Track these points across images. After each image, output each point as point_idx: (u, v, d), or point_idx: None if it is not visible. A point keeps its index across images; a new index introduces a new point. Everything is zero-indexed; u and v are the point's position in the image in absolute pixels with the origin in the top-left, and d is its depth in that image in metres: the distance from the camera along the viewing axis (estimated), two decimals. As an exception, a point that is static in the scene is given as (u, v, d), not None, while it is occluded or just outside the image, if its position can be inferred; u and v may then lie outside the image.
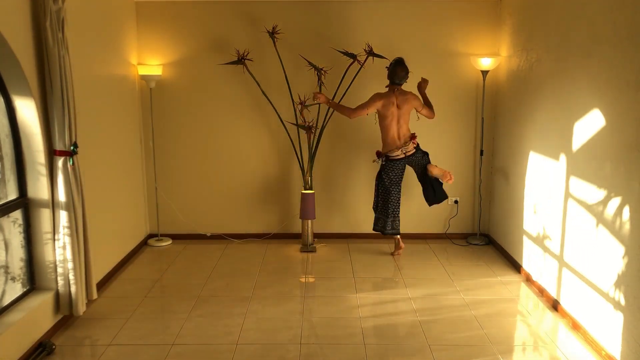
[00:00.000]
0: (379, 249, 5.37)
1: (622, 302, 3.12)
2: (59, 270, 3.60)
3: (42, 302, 3.49)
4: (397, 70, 4.76)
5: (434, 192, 5.03)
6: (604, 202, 3.33)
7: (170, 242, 5.53)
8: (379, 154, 4.98)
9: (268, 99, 5.26)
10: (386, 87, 4.90)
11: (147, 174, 5.52)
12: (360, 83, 5.31)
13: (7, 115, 3.37)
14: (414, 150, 4.91)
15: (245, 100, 5.44)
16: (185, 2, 5.26)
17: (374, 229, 5.16)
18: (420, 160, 4.97)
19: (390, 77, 4.83)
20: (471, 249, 5.38)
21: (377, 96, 4.82)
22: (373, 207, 5.14)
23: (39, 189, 3.53)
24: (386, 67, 4.91)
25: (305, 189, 5.29)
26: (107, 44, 4.62)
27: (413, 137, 4.92)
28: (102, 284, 4.39)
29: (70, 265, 3.59)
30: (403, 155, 4.88)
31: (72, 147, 3.57)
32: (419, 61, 5.31)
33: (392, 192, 4.96)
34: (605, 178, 3.31)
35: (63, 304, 3.64)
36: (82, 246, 3.70)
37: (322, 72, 5.11)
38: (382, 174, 4.96)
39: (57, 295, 3.64)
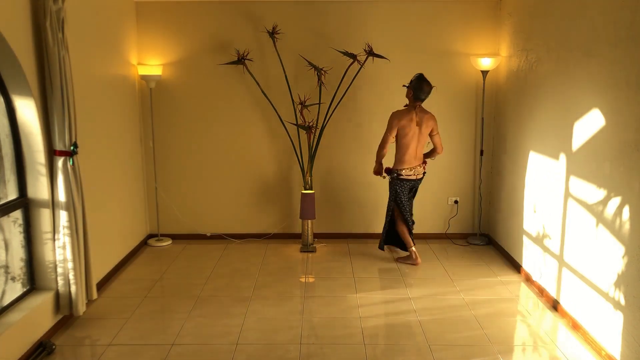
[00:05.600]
0: (378, 249, 5.37)
1: (622, 302, 3.12)
2: (59, 270, 3.60)
3: (42, 302, 3.49)
4: (424, 85, 4.57)
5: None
6: (604, 202, 3.33)
7: (170, 242, 5.53)
8: (389, 170, 4.81)
9: (268, 99, 5.26)
10: (405, 105, 4.73)
11: (147, 174, 5.52)
12: (360, 83, 5.31)
13: (7, 115, 3.37)
14: (422, 175, 4.84)
15: (245, 100, 5.44)
16: (185, 2, 5.27)
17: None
18: (417, 187, 4.92)
19: (416, 93, 4.59)
20: (471, 249, 5.38)
21: (395, 117, 4.64)
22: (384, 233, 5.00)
23: (39, 189, 3.53)
24: (404, 86, 4.72)
25: (305, 189, 5.29)
26: (107, 44, 4.62)
27: (424, 161, 4.82)
28: (102, 284, 4.39)
29: (70, 265, 3.59)
30: (414, 177, 4.78)
31: (72, 147, 3.57)
32: (419, 61, 5.32)
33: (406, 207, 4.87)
34: (605, 178, 3.31)
35: (63, 304, 3.64)
36: (82, 246, 3.70)
37: (322, 72, 5.11)
38: (397, 190, 4.78)
39: (57, 295, 3.64)
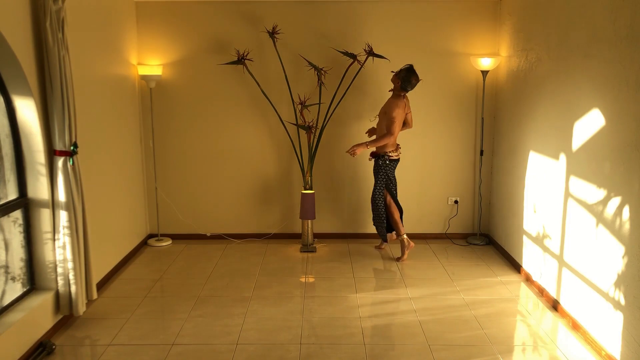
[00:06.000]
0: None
1: (622, 302, 3.12)
2: (59, 270, 3.60)
3: (42, 302, 3.49)
4: (412, 79, 4.74)
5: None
6: (604, 202, 3.33)
7: (170, 242, 5.53)
8: (377, 155, 4.96)
9: (268, 99, 5.26)
10: (390, 90, 4.89)
11: (147, 174, 5.52)
12: (360, 83, 5.32)
13: (7, 115, 3.37)
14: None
15: (245, 100, 5.44)
16: (185, 2, 5.26)
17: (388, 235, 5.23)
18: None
19: (403, 84, 4.75)
20: (471, 249, 5.38)
21: (398, 107, 4.78)
22: (375, 221, 5.14)
23: (39, 189, 3.53)
24: (392, 72, 4.86)
25: (305, 189, 5.29)
26: (107, 44, 4.62)
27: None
28: (102, 284, 4.39)
29: (70, 265, 3.60)
30: (399, 157, 5.01)
31: (72, 147, 3.57)
32: (419, 61, 5.31)
33: (393, 192, 5.06)
34: (605, 178, 3.31)
35: (63, 304, 3.64)
36: (82, 246, 3.70)
37: (322, 72, 5.11)
38: (387, 174, 4.98)
39: (57, 295, 3.64)
